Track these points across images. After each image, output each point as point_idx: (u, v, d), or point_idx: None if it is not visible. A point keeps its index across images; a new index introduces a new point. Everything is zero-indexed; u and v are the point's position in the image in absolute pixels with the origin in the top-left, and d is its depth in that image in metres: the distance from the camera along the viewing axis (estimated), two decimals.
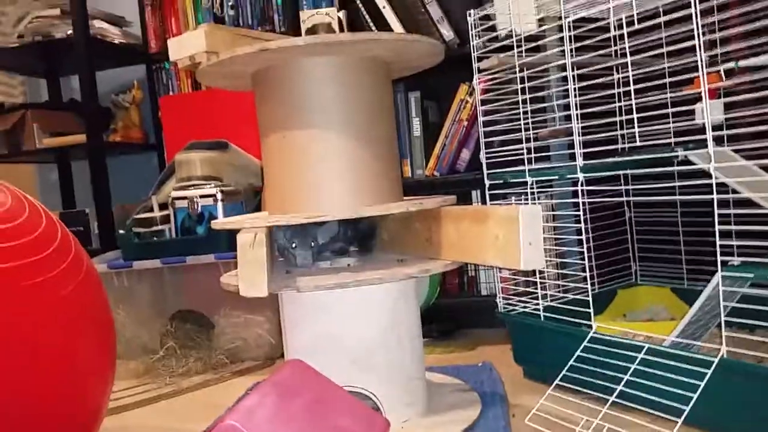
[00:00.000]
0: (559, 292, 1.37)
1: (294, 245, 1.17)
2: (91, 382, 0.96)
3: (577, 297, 1.20)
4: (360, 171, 1.08)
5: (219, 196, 1.72)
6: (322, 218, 1.02)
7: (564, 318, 1.20)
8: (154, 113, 2.29)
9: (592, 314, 1.15)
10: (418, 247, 1.18)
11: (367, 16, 1.77)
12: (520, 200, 1.32)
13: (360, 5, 1.76)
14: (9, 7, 2.28)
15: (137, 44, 2.32)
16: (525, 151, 1.27)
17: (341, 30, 1.27)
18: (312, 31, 1.33)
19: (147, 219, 1.80)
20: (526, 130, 1.27)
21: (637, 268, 1.54)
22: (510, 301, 1.36)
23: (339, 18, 1.25)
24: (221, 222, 1.14)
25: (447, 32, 1.66)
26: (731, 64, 0.93)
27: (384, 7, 1.72)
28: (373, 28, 1.73)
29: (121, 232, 1.80)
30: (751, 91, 0.95)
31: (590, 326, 1.14)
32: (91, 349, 0.97)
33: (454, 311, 1.82)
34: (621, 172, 1.15)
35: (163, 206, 1.82)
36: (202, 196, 1.74)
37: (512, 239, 0.93)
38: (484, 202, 1.45)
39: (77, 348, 0.93)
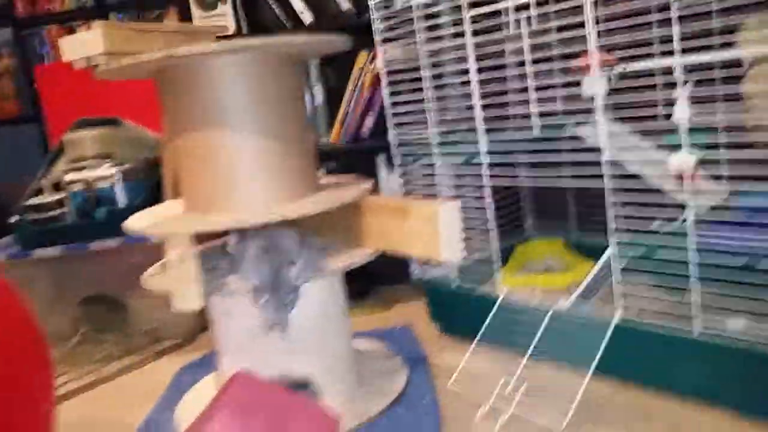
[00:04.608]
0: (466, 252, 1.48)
1: (265, 298, 1.02)
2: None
3: (483, 256, 1.32)
4: (275, 169, 1.09)
5: (118, 176, 1.67)
6: (242, 224, 1.03)
7: (473, 277, 1.32)
8: (30, 83, 2.12)
9: (497, 277, 1.27)
10: (338, 233, 1.22)
11: None
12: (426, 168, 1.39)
13: None
14: None
15: None
16: (430, 127, 1.33)
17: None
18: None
19: (41, 204, 1.71)
20: (430, 102, 1.33)
21: (531, 223, 1.68)
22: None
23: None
24: (138, 225, 1.12)
25: (343, 2, 1.64)
26: (620, 69, 1.02)
27: None
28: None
29: (15, 219, 1.70)
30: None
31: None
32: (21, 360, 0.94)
33: (367, 269, 1.88)
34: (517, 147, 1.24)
35: (55, 187, 1.73)
36: (99, 178, 1.67)
37: (433, 235, 1.00)
38: (390, 165, 1.52)
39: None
